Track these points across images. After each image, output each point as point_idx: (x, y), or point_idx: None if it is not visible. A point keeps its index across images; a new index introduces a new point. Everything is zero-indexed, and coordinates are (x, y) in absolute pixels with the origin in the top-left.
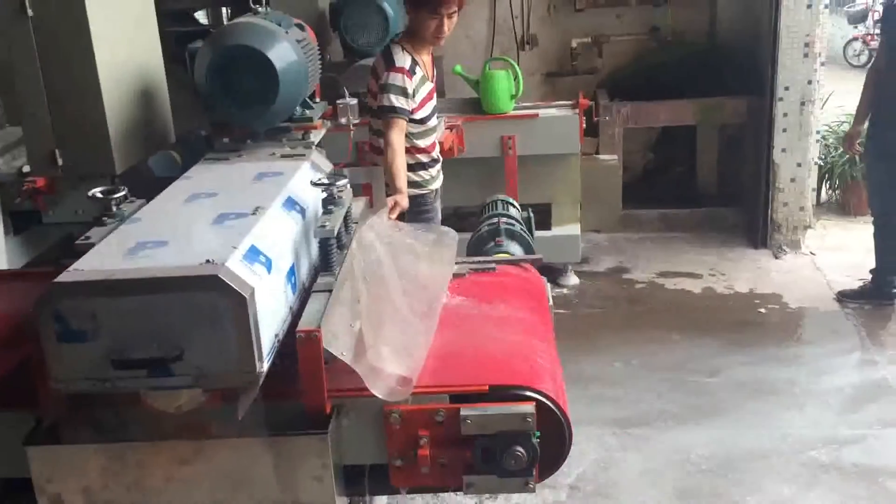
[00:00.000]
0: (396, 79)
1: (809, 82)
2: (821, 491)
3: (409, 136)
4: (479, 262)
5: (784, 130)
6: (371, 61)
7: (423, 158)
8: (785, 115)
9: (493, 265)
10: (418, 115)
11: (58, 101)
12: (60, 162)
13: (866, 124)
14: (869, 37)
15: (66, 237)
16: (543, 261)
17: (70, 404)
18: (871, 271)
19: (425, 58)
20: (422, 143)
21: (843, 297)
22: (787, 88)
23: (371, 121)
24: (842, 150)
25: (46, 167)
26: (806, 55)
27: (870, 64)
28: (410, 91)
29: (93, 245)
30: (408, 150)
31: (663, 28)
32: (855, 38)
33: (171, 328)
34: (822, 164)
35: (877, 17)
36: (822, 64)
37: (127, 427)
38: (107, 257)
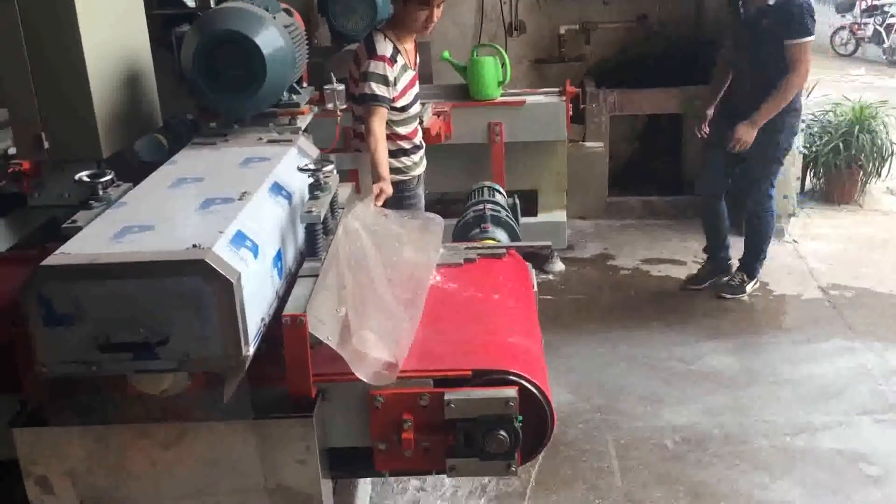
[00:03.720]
0: (377, 67)
1: None
2: (797, 476)
3: (389, 123)
4: (488, 248)
5: None
6: (356, 46)
7: (405, 145)
8: None
9: (503, 251)
10: (399, 103)
11: (44, 85)
12: (47, 145)
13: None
14: (856, 26)
15: (50, 220)
16: (529, 247)
17: (55, 387)
18: (704, 250)
19: (408, 46)
20: (403, 130)
21: (689, 284)
22: None
23: (353, 107)
24: (826, 139)
25: (32, 150)
26: None
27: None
28: (391, 79)
29: (79, 229)
30: (389, 137)
31: (650, 16)
32: (842, 27)
33: (156, 312)
34: (806, 152)
35: (864, 5)
36: None
37: (111, 410)
38: (93, 241)
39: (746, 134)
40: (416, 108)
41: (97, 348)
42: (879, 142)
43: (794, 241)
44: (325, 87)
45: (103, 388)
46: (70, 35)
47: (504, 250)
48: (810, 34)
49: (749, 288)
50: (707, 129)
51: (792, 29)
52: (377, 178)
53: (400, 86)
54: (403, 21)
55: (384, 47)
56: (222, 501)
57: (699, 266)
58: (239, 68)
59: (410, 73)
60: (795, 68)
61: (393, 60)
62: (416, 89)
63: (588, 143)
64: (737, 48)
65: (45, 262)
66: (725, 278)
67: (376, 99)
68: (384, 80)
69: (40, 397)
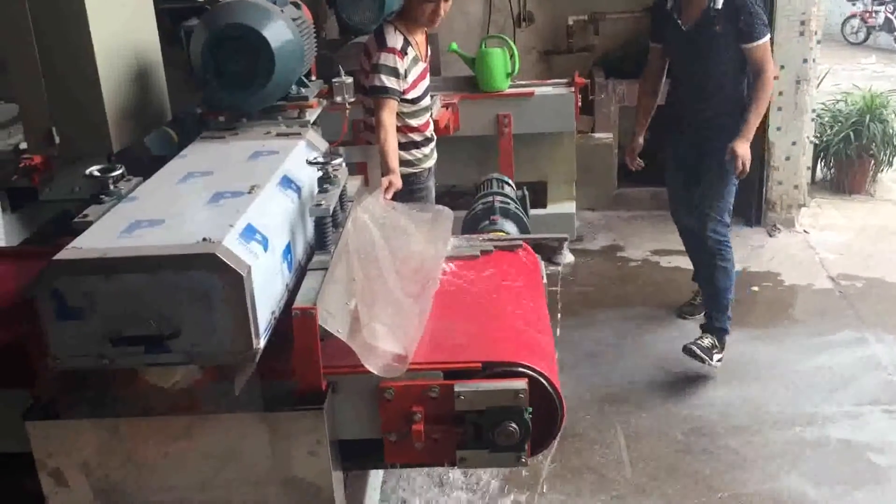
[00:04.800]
0: (388, 59)
1: (805, 61)
2: (806, 467)
3: (400, 115)
4: (505, 240)
5: (779, 109)
6: (367, 39)
7: (416, 137)
8: (780, 93)
9: (519, 242)
10: (410, 96)
11: (54, 80)
12: (57, 140)
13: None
14: (867, 14)
15: (61, 214)
16: (545, 239)
17: (67, 381)
18: (694, 278)
19: (419, 38)
20: (414, 122)
21: (684, 313)
22: (782, 67)
23: (364, 99)
24: (836, 128)
25: (43, 145)
26: (802, 34)
27: (645, 70)
28: (402, 72)
29: (90, 223)
30: (400, 130)
31: None
32: (853, 16)
33: (167, 306)
34: (817, 142)
35: None
36: (819, 42)
37: (124, 403)
38: (104, 236)
39: (744, 149)
40: (427, 101)
41: (109, 342)
42: (891, 131)
43: (805, 231)
44: (334, 79)
45: (115, 381)
46: (80, 30)
47: (521, 242)
48: (769, 32)
49: (717, 358)
50: (640, 162)
51: (750, 32)
52: (387, 170)
53: (410, 78)
54: (412, 13)
55: (394, 39)
56: (235, 493)
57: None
58: (247, 62)
59: (421, 66)
60: (763, 70)
61: (403, 52)
62: (426, 81)
63: (597, 135)
64: (681, 62)
65: (57, 257)
66: (695, 338)
67: (386, 91)
68: (394, 73)
69: (53, 390)
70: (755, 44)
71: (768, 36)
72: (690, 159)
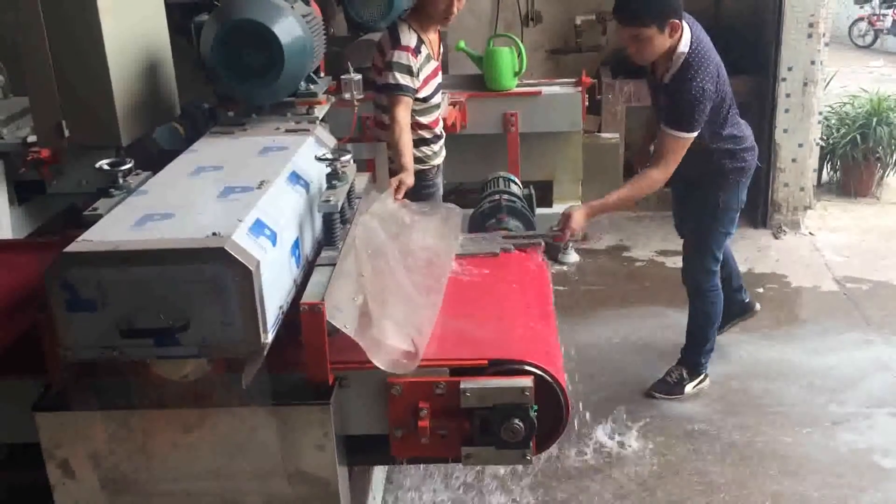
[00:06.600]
0: (402, 57)
1: (813, 63)
2: (811, 468)
3: (411, 112)
4: (526, 236)
5: (786, 111)
6: (375, 36)
7: (426, 134)
8: (787, 95)
9: (539, 240)
10: (422, 94)
11: (64, 73)
12: (67, 133)
13: None
14: (874, 17)
15: (69, 208)
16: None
17: (78, 372)
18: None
19: (432, 36)
20: (424, 119)
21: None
22: (790, 69)
23: (376, 96)
24: (843, 131)
25: (53, 138)
26: (810, 36)
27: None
28: (415, 70)
29: (100, 216)
30: (410, 127)
31: None
32: (860, 19)
33: (177, 299)
34: (823, 144)
35: None
36: (826, 45)
37: (133, 394)
38: (114, 228)
39: (579, 218)
40: (437, 98)
41: (119, 334)
42: None
43: (811, 233)
44: (343, 76)
45: (125, 373)
46: (90, 23)
47: (539, 240)
48: (691, 131)
49: (690, 388)
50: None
51: (675, 119)
52: (400, 167)
53: (422, 76)
54: (426, 10)
55: (408, 38)
56: (242, 485)
57: None
58: (258, 57)
59: (433, 64)
60: (660, 162)
61: (417, 51)
62: (438, 79)
63: (604, 134)
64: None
65: (68, 249)
66: (662, 375)
67: (400, 89)
68: (408, 71)
69: (63, 381)
70: (667, 130)
71: (687, 136)
72: (679, 188)
